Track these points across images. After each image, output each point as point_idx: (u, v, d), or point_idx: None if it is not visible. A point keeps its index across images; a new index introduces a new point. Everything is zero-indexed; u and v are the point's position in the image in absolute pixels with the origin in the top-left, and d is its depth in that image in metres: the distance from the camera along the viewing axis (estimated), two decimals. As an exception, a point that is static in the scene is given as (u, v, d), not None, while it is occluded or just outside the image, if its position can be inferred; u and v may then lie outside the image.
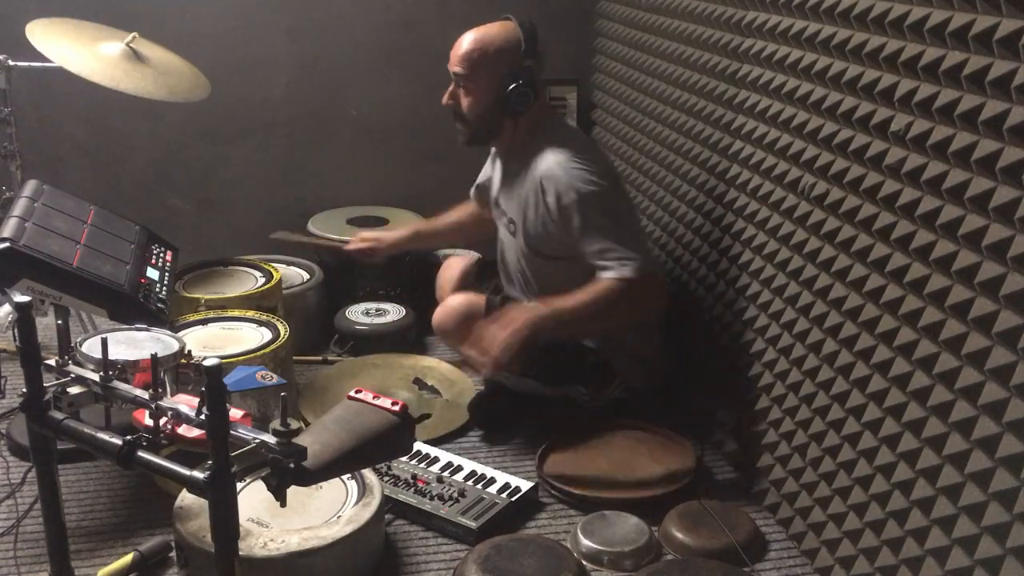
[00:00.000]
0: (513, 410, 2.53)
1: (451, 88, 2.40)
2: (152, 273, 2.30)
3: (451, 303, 2.48)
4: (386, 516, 2.04)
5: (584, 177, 2.27)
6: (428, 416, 2.55)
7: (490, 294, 2.51)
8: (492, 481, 2.19)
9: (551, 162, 2.30)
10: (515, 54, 2.32)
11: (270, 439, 1.41)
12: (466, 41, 2.35)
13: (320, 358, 2.92)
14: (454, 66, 2.36)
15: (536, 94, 2.34)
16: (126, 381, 1.64)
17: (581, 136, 2.50)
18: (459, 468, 2.24)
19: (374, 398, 1.64)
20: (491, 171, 2.61)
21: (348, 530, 1.84)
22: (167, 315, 2.22)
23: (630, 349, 2.46)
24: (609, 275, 2.22)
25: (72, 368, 1.65)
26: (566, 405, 2.49)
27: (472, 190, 2.78)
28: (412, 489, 2.15)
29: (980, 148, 1.50)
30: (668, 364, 2.58)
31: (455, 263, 2.89)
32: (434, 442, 2.39)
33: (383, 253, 2.87)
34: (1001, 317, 1.47)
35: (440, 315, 2.47)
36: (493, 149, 2.58)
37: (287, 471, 1.41)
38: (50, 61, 2.45)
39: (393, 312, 3.03)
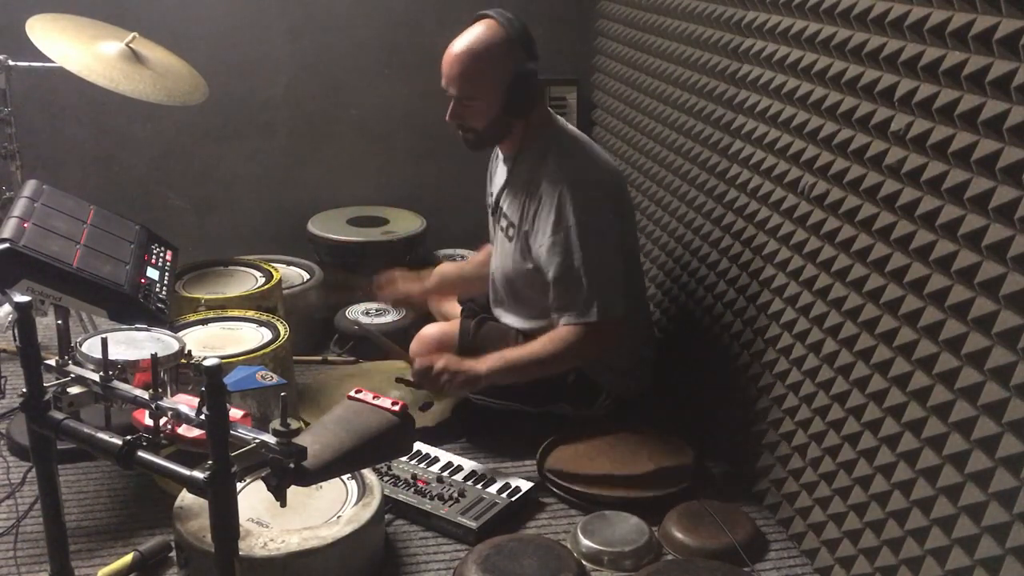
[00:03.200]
0: (498, 419, 2.50)
1: (452, 106, 2.29)
2: (152, 273, 2.30)
3: (425, 333, 2.51)
4: (386, 516, 2.04)
5: (586, 205, 2.22)
6: (431, 404, 2.55)
7: (464, 318, 2.50)
8: (492, 481, 2.19)
9: (558, 180, 2.24)
10: (511, 55, 2.23)
11: (270, 439, 1.41)
12: (456, 59, 2.22)
13: (320, 358, 2.92)
14: (450, 87, 2.25)
15: (540, 90, 2.30)
16: (126, 381, 1.64)
17: (586, 144, 2.42)
18: (459, 468, 2.24)
19: (374, 398, 1.64)
20: (493, 174, 2.57)
21: (348, 530, 1.84)
22: (167, 315, 2.22)
23: (611, 364, 2.43)
24: (576, 321, 2.23)
25: (72, 368, 1.65)
26: (553, 421, 2.45)
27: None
28: (412, 489, 2.15)
29: (980, 148, 1.50)
30: (654, 372, 2.57)
31: (447, 270, 2.89)
32: (433, 441, 2.38)
33: (415, 297, 2.78)
34: (1001, 317, 1.47)
35: (415, 346, 2.49)
36: (496, 152, 2.53)
37: (287, 471, 1.41)
38: (50, 61, 2.45)
39: (393, 312, 3.03)
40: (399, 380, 2.39)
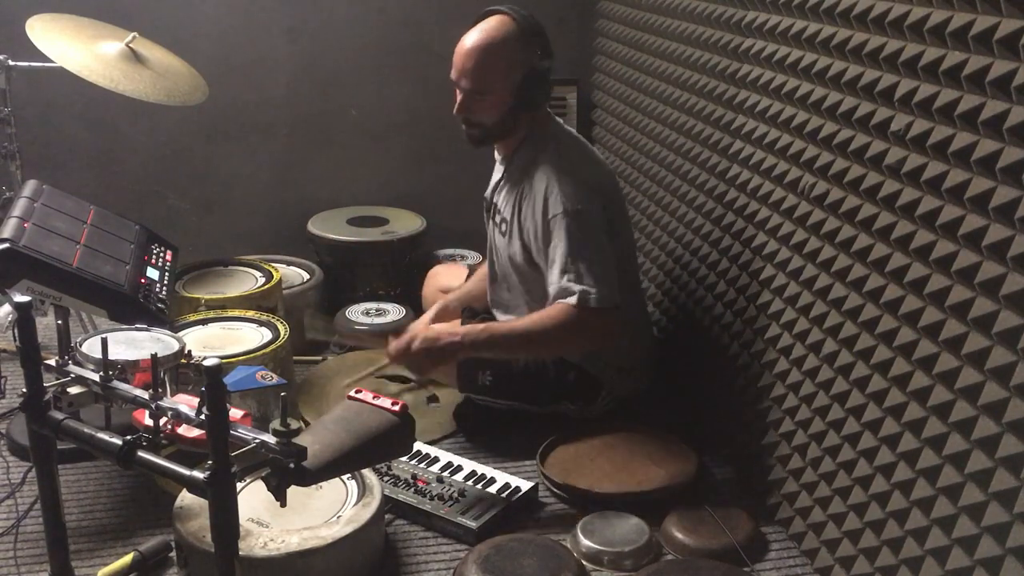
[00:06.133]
0: (499, 419, 2.49)
1: (460, 99, 2.27)
2: (152, 273, 2.30)
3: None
4: (386, 516, 2.04)
5: (575, 194, 2.21)
6: (436, 399, 2.55)
7: (465, 319, 2.49)
8: (492, 481, 2.19)
9: (548, 172, 2.25)
10: (525, 51, 2.22)
11: (270, 439, 1.41)
12: (470, 53, 2.21)
13: (320, 358, 2.92)
14: (462, 81, 2.23)
15: (551, 88, 2.29)
16: (126, 381, 1.64)
17: (580, 143, 2.43)
18: (459, 468, 2.24)
19: (374, 398, 1.65)
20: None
21: (348, 530, 1.84)
22: (167, 315, 2.22)
23: (612, 362, 2.43)
24: (568, 301, 2.17)
25: (72, 368, 1.66)
26: (553, 421, 2.44)
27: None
28: (412, 489, 2.15)
29: (980, 148, 1.50)
30: (654, 370, 2.57)
31: (442, 272, 2.89)
32: (430, 441, 2.39)
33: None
34: (1001, 317, 1.47)
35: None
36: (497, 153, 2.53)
37: (287, 471, 1.41)
38: (50, 61, 2.45)
39: (393, 312, 3.03)
40: (380, 375, 2.40)
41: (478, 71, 2.21)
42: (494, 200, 2.48)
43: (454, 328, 2.30)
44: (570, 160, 2.30)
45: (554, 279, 2.22)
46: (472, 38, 2.23)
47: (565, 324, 2.18)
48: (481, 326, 2.28)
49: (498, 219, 2.45)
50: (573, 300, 2.18)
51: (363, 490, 1.99)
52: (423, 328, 2.32)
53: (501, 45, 2.21)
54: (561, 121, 2.45)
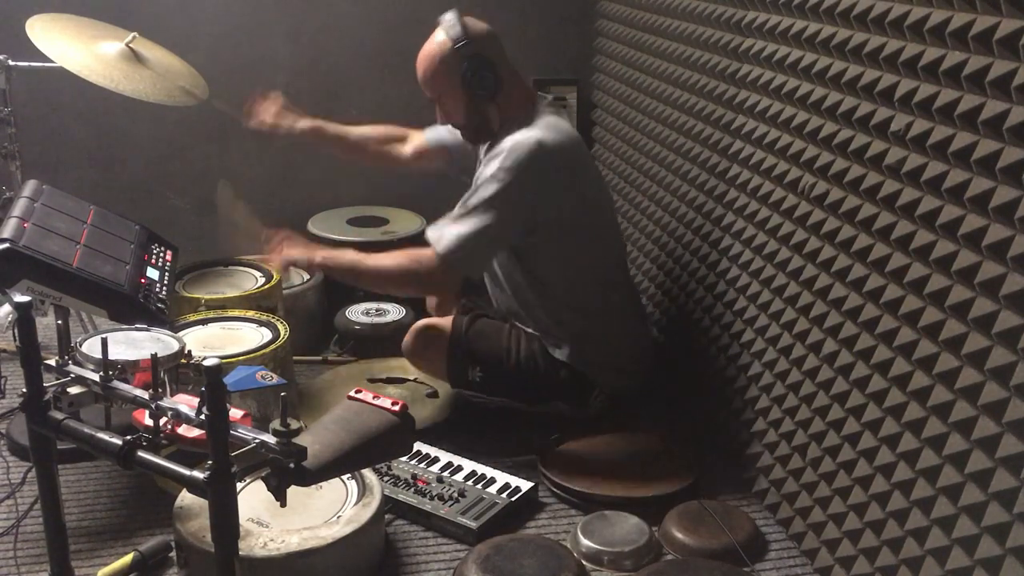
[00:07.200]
0: (498, 419, 2.49)
1: (437, 109, 2.45)
2: (152, 273, 2.30)
3: (418, 327, 2.51)
4: (386, 516, 2.04)
5: (516, 165, 2.23)
6: (436, 394, 2.55)
7: (458, 315, 2.51)
8: (492, 481, 2.19)
9: (513, 138, 2.28)
10: (456, 50, 2.32)
11: (270, 439, 1.41)
12: (418, 67, 2.39)
13: (320, 358, 2.92)
14: (426, 92, 2.42)
15: (494, 68, 2.33)
16: (126, 381, 1.63)
17: (554, 120, 2.37)
18: (459, 468, 2.24)
19: (374, 398, 1.64)
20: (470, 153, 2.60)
21: (348, 530, 1.84)
22: (167, 315, 2.22)
23: (603, 359, 2.44)
24: (431, 238, 2.29)
25: (72, 368, 1.65)
26: (552, 421, 2.45)
27: (429, 131, 2.76)
28: (412, 489, 2.15)
29: (980, 148, 1.50)
30: (651, 369, 2.58)
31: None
32: (430, 437, 2.38)
33: (280, 136, 2.82)
34: (1001, 317, 1.47)
35: (407, 340, 2.51)
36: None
37: (287, 471, 1.41)
38: (50, 61, 2.45)
39: (393, 312, 3.03)
40: (373, 380, 2.41)
41: (425, 81, 2.39)
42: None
43: (316, 247, 2.45)
44: (530, 136, 2.27)
45: (445, 216, 2.32)
46: (419, 55, 2.40)
47: (417, 264, 2.31)
48: (341, 251, 2.45)
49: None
50: (438, 246, 2.27)
51: (363, 490, 1.99)
52: (290, 234, 2.45)
53: (434, 53, 2.36)
54: (546, 110, 2.40)
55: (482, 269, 2.49)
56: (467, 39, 2.33)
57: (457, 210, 2.31)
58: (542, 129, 2.29)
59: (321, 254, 2.39)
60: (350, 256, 2.39)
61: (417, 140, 2.80)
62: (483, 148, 2.49)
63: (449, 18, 2.37)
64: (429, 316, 2.69)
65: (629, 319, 2.52)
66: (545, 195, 2.29)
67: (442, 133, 2.71)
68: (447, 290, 2.44)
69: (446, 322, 2.50)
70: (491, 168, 2.26)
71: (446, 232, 2.28)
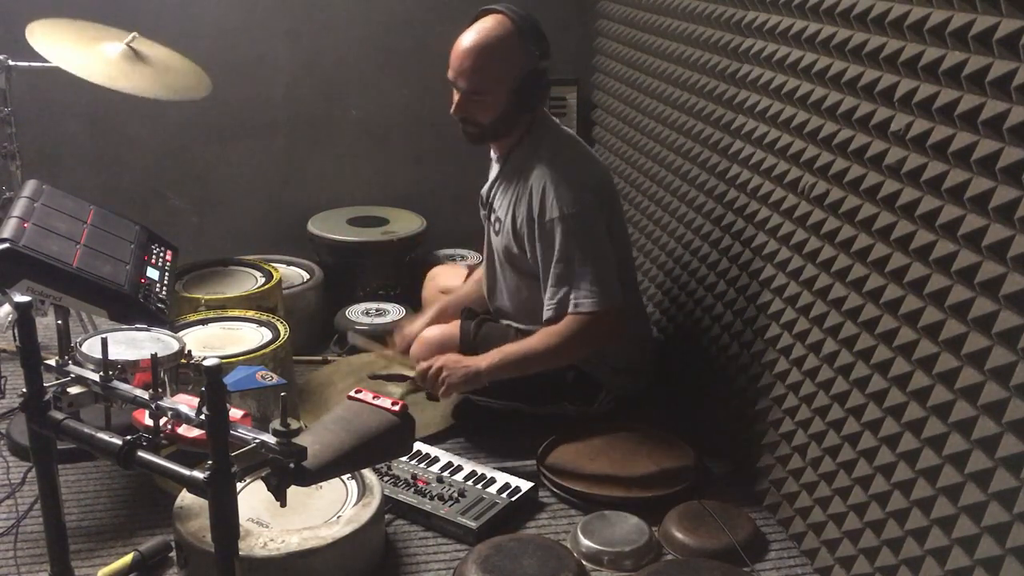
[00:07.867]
0: (499, 419, 2.48)
1: (457, 99, 2.27)
2: (152, 273, 2.30)
3: (427, 336, 2.48)
4: (386, 516, 2.04)
5: (571, 198, 2.22)
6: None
7: (464, 320, 2.49)
8: (492, 481, 2.19)
9: (544, 173, 2.25)
10: (522, 52, 2.21)
11: (270, 439, 1.41)
12: (467, 54, 2.19)
13: (320, 358, 2.92)
14: (459, 81, 2.22)
15: (547, 89, 2.29)
16: (126, 381, 1.63)
17: (576, 143, 2.42)
18: (459, 468, 2.24)
19: (374, 398, 1.64)
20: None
21: (348, 530, 1.84)
22: (167, 315, 2.22)
23: (611, 361, 2.43)
24: (572, 312, 2.20)
25: (72, 368, 1.65)
26: (553, 421, 2.44)
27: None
28: (412, 489, 2.15)
29: (980, 148, 1.50)
30: (654, 369, 2.57)
31: (441, 272, 2.88)
32: (430, 441, 2.39)
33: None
34: (1001, 317, 1.47)
35: (416, 348, 2.46)
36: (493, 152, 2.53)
37: (287, 471, 1.41)
38: (50, 61, 2.45)
39: (393, 312, 3.03)
40: (374, 377, 2.40)
41: (475, 72, 2.20)
42: (490, 199, 2.48)
43: (475, 358, 2.29)
44: (566, 161, 2.29)
45: (551, 286, 2.24)
46: (469, 39, 2.22)
47: (573, 335, 2.22)
48: (496, 351, 2.29)
49: (492, 219, 2.46)
50: (576, 309, 2.20)
51: (363, 490, 1.99)
52: (446, 358, 2.30)
53: (498, 46, 2.20)
54: (558, 121, 2.44)
55: (619, 288, 2.30)
56: (537, 45, 2.21)
57: (555, 273, 2.23)
58: (566, 151, 2.30)
59: (484, 368, 2.25)
60: (511, 353, 2.26)
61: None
62: (494, 162, 2.47)
63: (518, 13, 2.21)
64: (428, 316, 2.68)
65: (636, 320, 2.52)
66: (599, 206, 2.29)
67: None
68: (624, 330, 2.29)
69: (453, 328, 2.48)
70: (545, 211, 2.22)
71: (572, 293, 2.21)
